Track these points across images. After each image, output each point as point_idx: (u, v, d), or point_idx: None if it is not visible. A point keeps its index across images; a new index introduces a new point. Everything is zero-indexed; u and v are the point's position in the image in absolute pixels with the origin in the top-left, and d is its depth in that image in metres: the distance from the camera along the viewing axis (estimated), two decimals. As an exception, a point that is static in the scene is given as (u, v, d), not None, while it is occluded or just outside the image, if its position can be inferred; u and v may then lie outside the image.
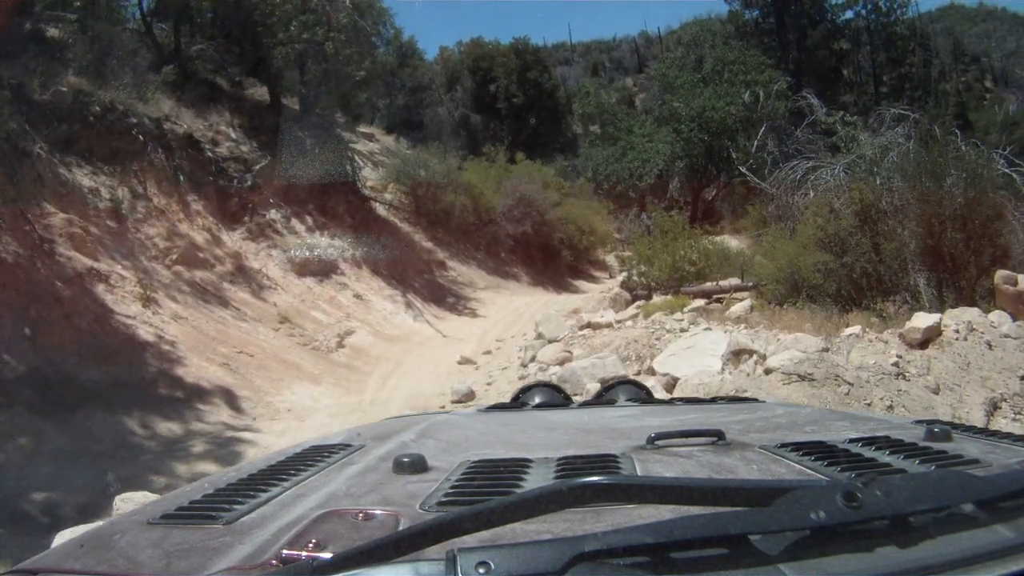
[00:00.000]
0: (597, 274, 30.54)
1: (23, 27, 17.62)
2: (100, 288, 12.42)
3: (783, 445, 1.65)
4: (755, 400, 3.30)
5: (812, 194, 22.01)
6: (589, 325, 15.16)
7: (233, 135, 19.73)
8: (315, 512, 1.25)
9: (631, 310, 17.26)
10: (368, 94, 24.36)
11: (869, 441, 1.67)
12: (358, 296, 18.47)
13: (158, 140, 17.12)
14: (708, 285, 18.94)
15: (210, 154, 18.25)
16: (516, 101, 39.78)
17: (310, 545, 1.08)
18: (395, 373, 13.97)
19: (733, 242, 24.43)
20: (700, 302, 17.00)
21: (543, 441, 1.91)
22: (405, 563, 0.92)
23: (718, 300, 17.84)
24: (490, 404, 3.34)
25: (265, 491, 1.44)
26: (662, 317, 14.95)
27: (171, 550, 1.17)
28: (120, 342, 11.32)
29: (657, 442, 1.66)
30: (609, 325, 14.96)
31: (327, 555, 1.02)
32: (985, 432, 1.85)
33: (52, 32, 18.67)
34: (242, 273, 16.25)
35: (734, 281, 18.90)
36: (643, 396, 3.15)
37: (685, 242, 19.93)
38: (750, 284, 17.98)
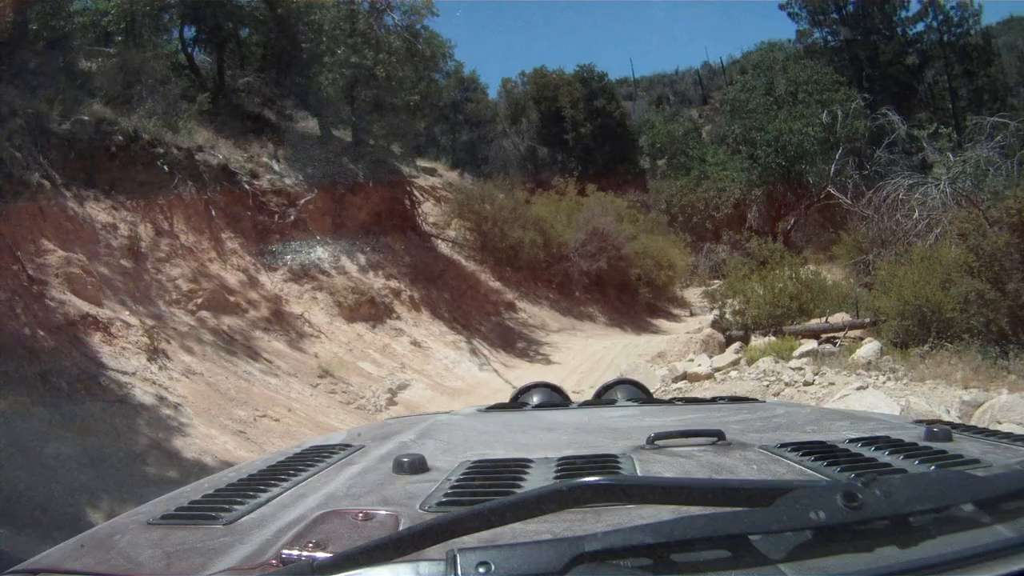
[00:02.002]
0: (676, 312, 27.52)
1: (55, 60, 15.74)
2: (96, 338, 9.92)
3: (783, 445, 1.61)
4: (755, 400, 3.08)
5: (917, 214, 19.30)
6: (685, 376, 12.83)
7: (276, 167, 17.36)
8: (315, 512, 1.23)
9: (729, 355, 14.51)
10: (426, 122, 21.95)
11: (869, 441, 1.64)
12: (416, 343, 15.81)
13: (188, 172, 14.80)
14: (814, 323, 15.94)
15: (247, 187, 15.86)
16: (584, 131, 37.04)
17: (310, 545, 1.05)
18: (456, 435, 11.21)
19: (824, 273, 21.26)
20: (810, 344, 14.04)
21: (543, 441, 1.87)
22: (405, 563, 0.89)
23: (830, 340, 14.86)
24: (490, 404, 2.98)
25: (265, 491, 1.40)
26: (772, 364, 12.28)
27: (171, 550, 1.14)
28: (106, 406, 8.74)
29: (657, 442, 1.63)
30: (709, 376, 12.74)
31: (327, 555, 0.99)
32: (985, 432, 1.79)
33: (85, 65, 16.77)
34: (279, 319, 13.71)
35: (843, 317, 15.86)
36: (643, 396, 3.08)
37: (783, 272, 16.90)
38: (866, 321, 14.86)
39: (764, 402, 2.82)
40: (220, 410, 9.67)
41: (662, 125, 39.34)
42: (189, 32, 20.59)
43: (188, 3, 19.17)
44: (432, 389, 13.83)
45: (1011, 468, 1.39)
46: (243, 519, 1.25)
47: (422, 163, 25.60)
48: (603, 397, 3.15)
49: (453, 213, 22.32)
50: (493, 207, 21.82)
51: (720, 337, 16.09)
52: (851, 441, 1.64)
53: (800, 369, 11.22)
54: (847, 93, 32.02)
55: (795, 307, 16.07)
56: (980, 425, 7.22)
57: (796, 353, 12.90)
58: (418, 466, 1.50)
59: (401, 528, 1.12)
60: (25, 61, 15.11)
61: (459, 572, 0.85)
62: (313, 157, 18.64)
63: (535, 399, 3.08)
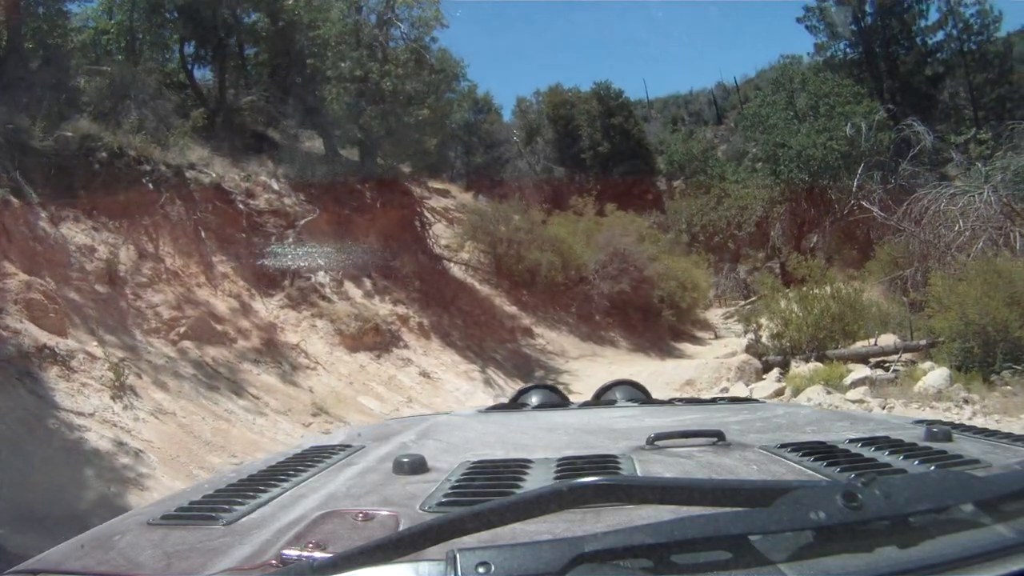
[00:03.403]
0: (700, 335, 25.80)
1: (48, 77, 14.61)
2: (51, 373, 8.51)
3: (783, 445, 1.59)
4: (755, 400, 3.08)
5: (960, 225, 17.92)
6: (726, 410, 10.89)
7: (276, 186, 15.99)
8: (315, 512, 1.21)
9: (770, 383, 13.00)
10: (436, 140, 20.54)
11: (869, 441, 1.61)
12: (425, 374, 14.31)
13: (176, 190, 13.50)
14: (861, 346, 14.37)
15: (242, 206, 14.49)
16: (601, 149, 35.24)
17: (310, 545, 1.04)
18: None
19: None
20: (862, 370, 12.48)
21: (543, 442, 1.84)
22: (405, 563, 0.88)
23: (880, 365, 13.30)
24: (490, 405, 3.04)
25: (265, 491, 1.38)
26: (824, 395, 10.73)
27: (171, 551, 1.13)
28: (50, 455, 7.28)
29: (657, 442, 1.61)
30: (751, 408, 10.67)
31: (327, 555, 0.97)
32: (985, 432, 1.76)
33: (78, 82, 15.60)
34: (272, 349, 12.26)
35: (893, 339, 14.30)
36: (642, 396, 3.02)
37: (824, 292, 15.31)
38: (921, 343, 13.27)
39: (764, 402, 2.77)
40: (191, 457, 8.21)
41: (680, 143, 37.91)
42: (189, 49, 19.42)
43: (188, 18, 18.01)
44: (442, 425, 12.35)
45: (1011, 468, 1.34)
46: (243, 519, 1.21)
47: (435, 185, 24.29)
48: (602, 398, 3.07)
49: (466, 235, 20.87)
50: (508, 228, 20.38)
51: (756, 363, 14.51)
52: (851, 441, 1.61)
53: (862, 401, 9.66)
54: (870, 105, 30.57)
55: (837, 329, 14.49)
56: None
57: (848, 381, 11.37)
58: (418, 466, 1.46)
59: (401, 528, 1.09)
60: (17, 78, 14.05)
61: (459, 572, 0.83)
62: (316, 176, 17.30)
63: (535, 400, 3.00)
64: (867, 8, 38.25)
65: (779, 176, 30.11)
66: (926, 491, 1.00)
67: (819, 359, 13.57)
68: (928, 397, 9.64)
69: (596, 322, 21.87)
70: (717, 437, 1.61)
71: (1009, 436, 1.68)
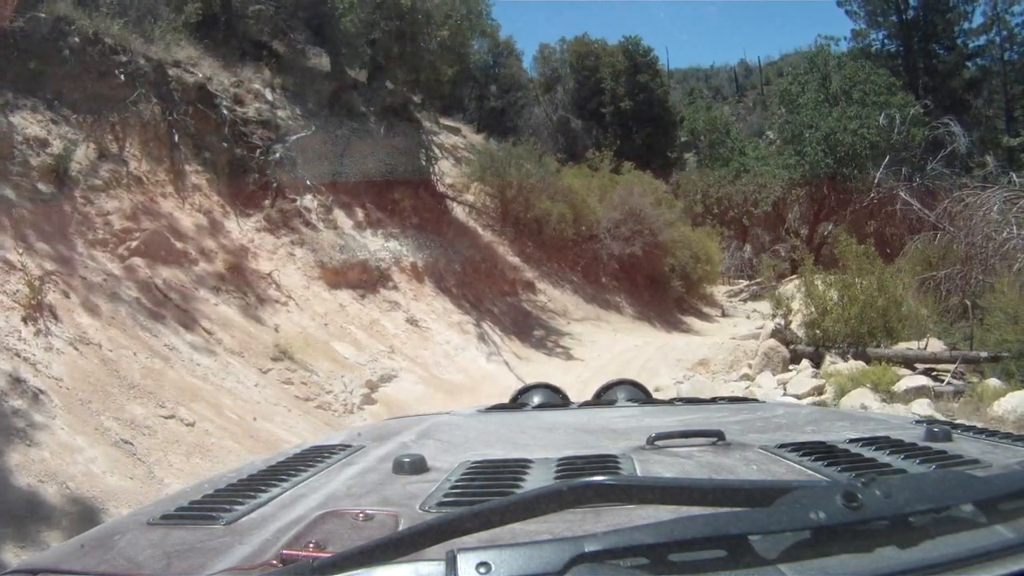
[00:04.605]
0: (707, 310, 24.04)
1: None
2: (-50, 283, 6.73)
3: (783, 445, 1.52)
4: (755, 400, 3.03)
5: (1010, 230, 16.41)
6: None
7: (269, 96, 14.03)
8: (315, 512, 1.17)
9: (804, 378, 11.33)
10: (453, 71, 18.46)
11: (869, 441, 1.55)
12: (413, 321, 12.51)
13: (154, 87, 11.58)
14: (906, 348, 12.55)
15: (227, 112, 12.54)
16: (623, 106, 32.93)
17: (310, 545, 1.00)
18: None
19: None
20: (913, 377, 10.68)
21: (543, 441, 1.78)
22: (405, 563, 0.85)
23: (929, 372, 11.53)
24: (490, 404, 2.74)
25: (265, 491, 1.33)
26: (875, 401, 9.03)
27: (171, 550, 1.09)
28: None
29: (657, 442, 1.54)
30: (792, 407, 8.91)
31: (327, 555, 0.92)
32: (985, 432, 1.70)
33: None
34: (238, 277, 10.42)
35: (938, 345, 12.52)
36: (642, 397, 2.91)
37: (870, 282, 13.34)
38: (983, 355, 11.35)
39: (764, 402, 2.71)
40: (106, 403, 6.41)
41: (704, 111, 35.99)
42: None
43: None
44: (425, 383, 10.56)
45: (1011, 468, 1.29)
46: (243, 519, 1.16)
47: (446, 122, 22.23)
48: (603, 397, 2.90)
49: (474, 176, 18.85)
50: (520, 173, 18.37)
51: (784, 351, 12.68)
52: (851, 441, 1.55)
53: (932, 418, 7.89)
54: (904, 98, 28.73)
55: (879, 326, 12.66)
56: None
57: (900, 387, 9.60)
58: (418, 466, 1.39)
59: (401, 528, 1.06)
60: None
61: (459, 572, 0.80)
62: (318, 93, 15.34)
63: (535, 399, 2.83)
64: (911, 1, 36.32)
65: (804, 157, 28.23)
66: (926, 491, 0.95)
67: (857, 356, 11.80)
68: (1008, 423, 7.82)
69: (602, 284, 20.07)
70: (717, 437, 1.53)
71: (1009, 436, 1.60)
